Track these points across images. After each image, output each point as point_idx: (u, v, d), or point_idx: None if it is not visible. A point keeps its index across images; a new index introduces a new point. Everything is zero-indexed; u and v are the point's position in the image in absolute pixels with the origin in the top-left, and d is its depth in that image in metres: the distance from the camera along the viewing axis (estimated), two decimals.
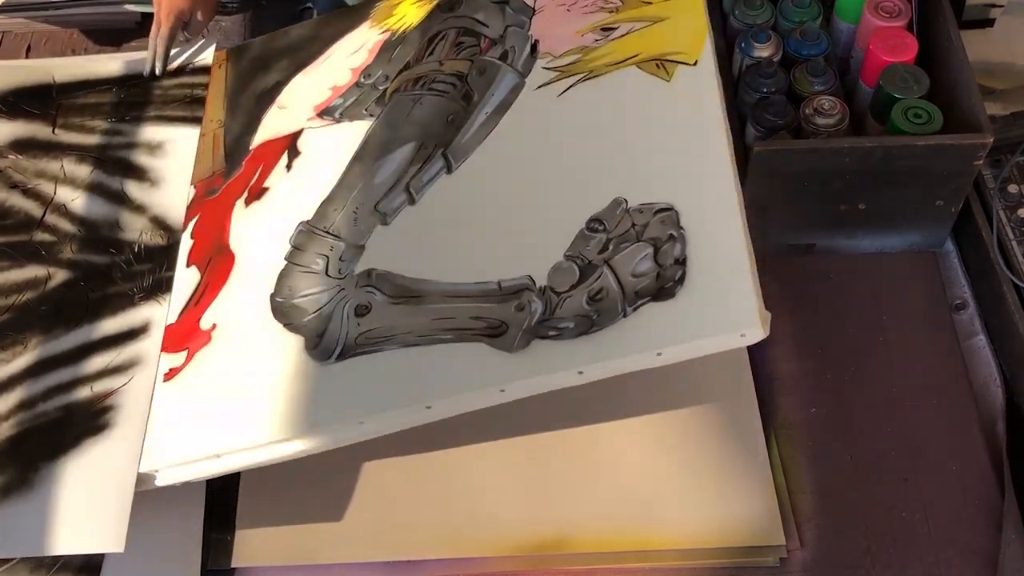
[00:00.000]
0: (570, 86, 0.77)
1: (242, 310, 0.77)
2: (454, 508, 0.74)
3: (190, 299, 0.79)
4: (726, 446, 0.76)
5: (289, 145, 0.84)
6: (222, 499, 0.75)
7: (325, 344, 0.73)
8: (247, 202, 0.81)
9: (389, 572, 0.72)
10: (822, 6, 0.89)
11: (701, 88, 0.73)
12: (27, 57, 0.99)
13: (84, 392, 0.77)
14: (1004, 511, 0.74)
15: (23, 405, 0.77)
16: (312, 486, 0.75)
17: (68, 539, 0.70)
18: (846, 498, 0.75)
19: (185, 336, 0.77)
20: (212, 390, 0.74)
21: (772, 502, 0.74)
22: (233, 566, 0.72)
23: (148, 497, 0.73)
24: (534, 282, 0.70)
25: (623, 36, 0.78)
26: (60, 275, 0.83)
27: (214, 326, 0.77)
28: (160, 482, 0.72)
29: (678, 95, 0.73)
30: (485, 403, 0.68)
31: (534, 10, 0.83)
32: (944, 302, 0.84)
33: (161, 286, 0.82)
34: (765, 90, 0.83)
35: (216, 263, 0.80)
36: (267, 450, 0.71)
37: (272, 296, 0.77)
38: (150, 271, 0.83)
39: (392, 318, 0.71)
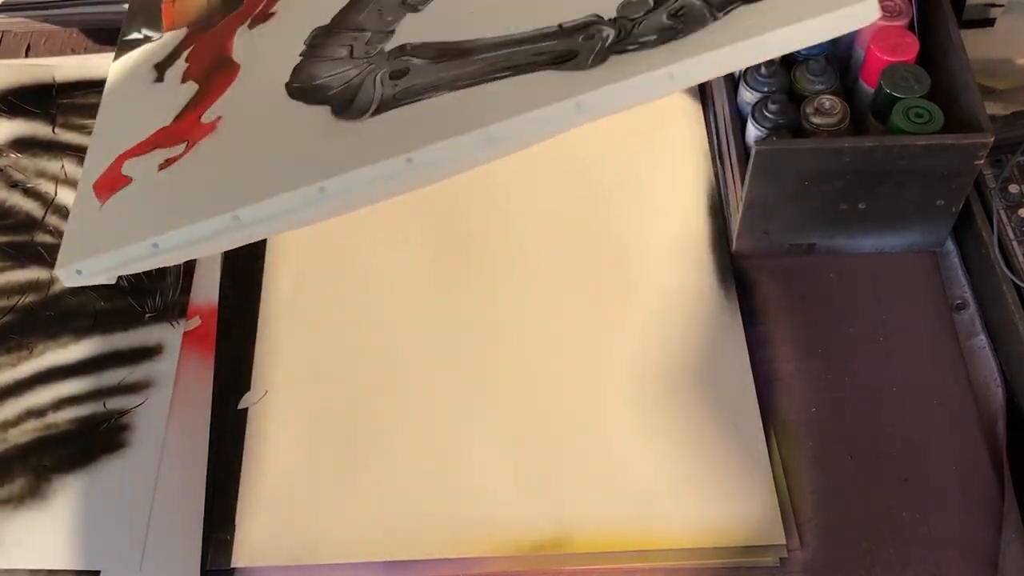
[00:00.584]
0: None
1: (252, 102, 0.70)
2: (453, 508, 0.74)
3: (188, 104, 0.72)
4: (726, 446, 0.76)
5: None
6: (222, 499, 0.75)
7: (357, 106, 0.64)
8: (251, 26, 0.75)
9: (389, 572, 0.72)
10: None
11: None
12: (27, 56, 0.99)
13: (97, 407, 0.78)
14: (1004, 511, 0.74)
15: (32, 413, 0.77)
16: (312, 486, 0.76)
17: (83, 555, 0.71)
18: (846, 498, 0.75)
19: (184, 132, 0.70)
20: (219, 165, 0.66)
21: (772, 502, 0.74)
22: (233, 566, 0.72)
23: (147, 496, 0.74)
24: (601, 17, 0.63)
25: None
26: None
27: (219, 118, 0.69)
28: (169, 243, 0.64)
29: None
30: (559, 124, 0.60)
31: None
32: (944, 302, 0.84)
33: (174, 310, 0.82)
34: (766, 89, 0.83)
35: (218, 73, 0.73)
36: (294, 204, 0.62)
37: (287, 84, 0.69)
38: (161, 291, 0.83)
39: (435, 73, 0.64)
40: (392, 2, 0.70)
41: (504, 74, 0.61)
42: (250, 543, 0.73)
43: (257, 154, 0.65)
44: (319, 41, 0.71)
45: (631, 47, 0.60)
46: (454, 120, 0.59)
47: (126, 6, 1.00)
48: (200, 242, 0.63)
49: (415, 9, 0.69)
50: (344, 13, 0.72)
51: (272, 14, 0.76)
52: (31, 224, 0.86)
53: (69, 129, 0.92)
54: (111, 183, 0.69)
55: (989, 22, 0.94)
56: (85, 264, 0.65)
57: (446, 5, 0.69)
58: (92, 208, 0.68)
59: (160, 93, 0.74)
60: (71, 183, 0.88)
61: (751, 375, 0.80)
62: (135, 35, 0.82)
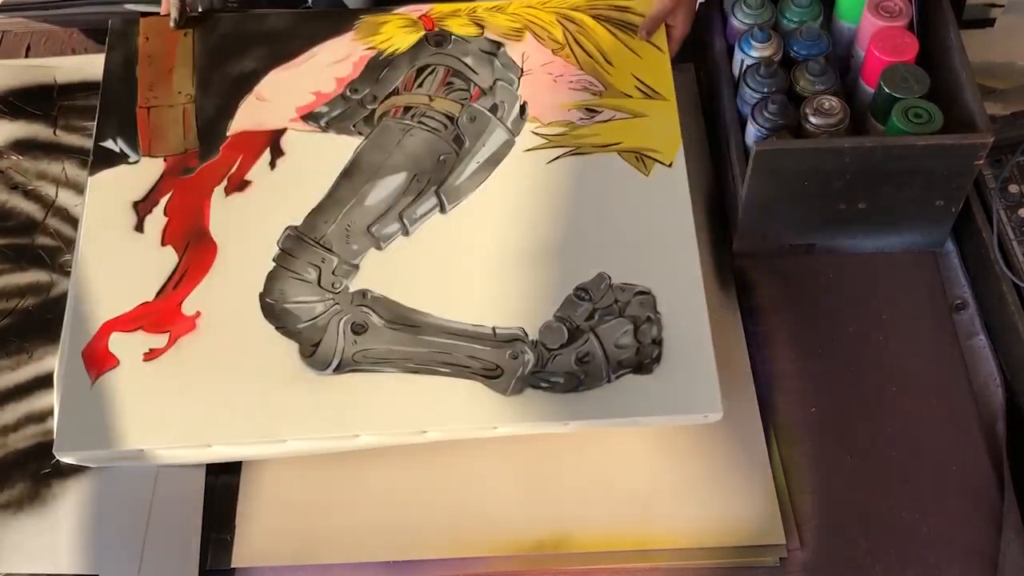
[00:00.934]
0: (558, 156, 0.85)
1: (229, 304, 0.77)
2: (454, 508, 0.75)
3: (168, 281, 0.79)
4: (726, 446, 0.76)
5: (271, 142, 0.85)
6: (222, 499, 0.75)
7: (321, 354, 0.76)
8: (227, 191, 0.83)
9: (389, 572, 0.73)
10: (822, 6, 0.89)
11: (675, 187, 0.83)
12: (27, 56, 0.99)
13: None
14: (1004, 511, 0.74)
15: (32, 418, 0.77)
16: (312, 486, 0.76)
17: (81, 558, 0.71)
18: (846, 498, 0.75)
19: (166, 318, 0.77)
20: (199, 379, 0.75)
21: (772, 502, 0.74)
22: (233, 566, 0.73)
23: (147, 496, 0.74)
24: (526, 334, 0.76)
25: (607, 121, 0.86)
26: (64, 284, 0.83)
27: (198, 314, 0.77)
28: (152, 453, 0.73)
29: (655, 190, 0.83)
30: (478, 435, 0.75)
31: (522, 70, 0.89)
32: (944, 302, 0.84)
33: None
34: (766, 90, 0.83)
35: (196, 249, 0.80)
36: (259, 447, 0.73)
37: (262, 296, 0.78)
38: None
39: (389, 342, 0.76)
40: (359, 226, 0.81)
41: (443, 370, 0.75)
42: (250, 543, 0.73)
43: (233, 386, 0.75)
44: (290, 246, 0.80)
45: (543, 384, 0.75)
46: (398, 413, 0.73)
47: (126, 6, 1.00)
48: (179, 456, 0.74)
49: (378, 246, 0.80)
50: (314, 216, 0.81)
51: (248, 183, 0.83)
52: (31, 226, 0.86)
53: (70, 131, 0.92)
54: (100, 359, 0.76)
55: (989, 22, 0.94)
56: (79, 455, 0.73)
57: (404, 254, 0.80)
58: (84, 386, 0.75)
59: (141, 250, 0.80)
60: (72, 185, 0.89)
61: (751, 375, 0.80)
62: (110, 144, 0.86)
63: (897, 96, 0.80)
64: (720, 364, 0.79)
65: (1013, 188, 0.84)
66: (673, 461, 0.76)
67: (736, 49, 0.87)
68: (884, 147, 0.77)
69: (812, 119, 0.81)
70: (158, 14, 0.92)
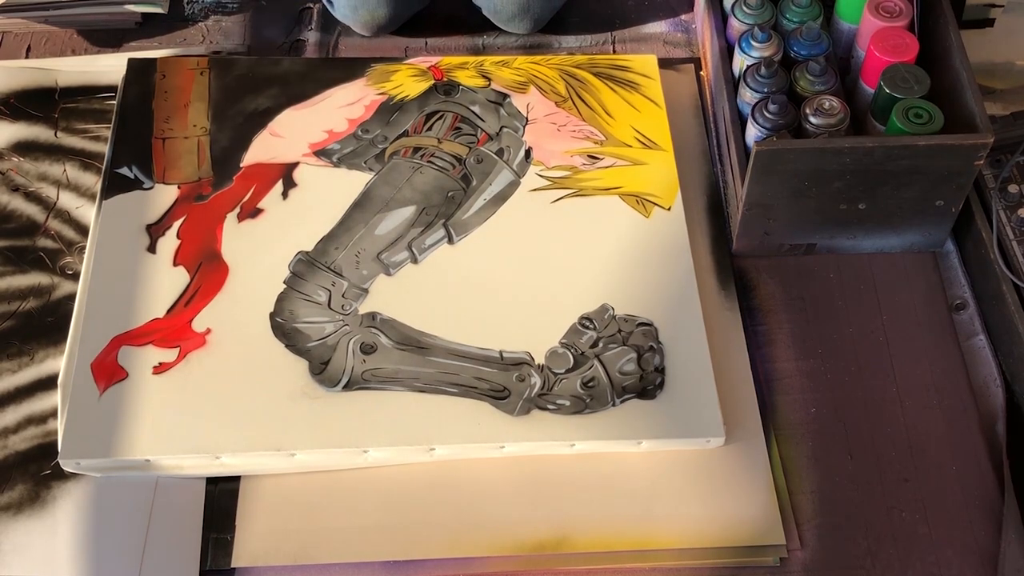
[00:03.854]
0: (562, 197, 0.88)
1: (240, 322, 0.80)
2: (454, 508, 0.75)
3: (179, 299, 0.81)
4: (726, 446, 0.76)
5: (284, 174, 0.88)
6: (222, 499, 0.75)
7: (331, 372, 0.77)
8: (240, 218, 0.85)
9: (389, 572, 0.73)
10: (822, 6, 0.89)
11: (674, 229, 0.86)
12: (27, 57, 0.99)
13: None
14: (1004, 511, 0.74)
15: (32, 420, 0.77)
16: (312, 486, 0.76)
17: (81, 561, 0.72)
18: (846, 498, 0.75)
19: (177, 334, 0.79)
20: (209, 392, 0.76)
21: (772, 502, 0.74)
22: (233, 566, 0.73)
23: (147, 497, 0.74)
24: (532, 359, 0.78)
25: (608, 167, 0.90)
26: (66, 287, 0.83)
27: (209, 331, 0.79)
28: (160, 462, 0.74)
29: (655, 231, 0.86)
30: (485, 455, 0.75)
31: (527, 119, 0.92)
32: (944, 302, 0.84)
33: None
34: (766, 90, 0.83)
35: (208, 269, 0.82)
36: (267, 460, 0.74)
37: (272, 315, 0.80)
38: None
39: (397, 362, 0.78)
40: (369, 253, 0.84)
41: (451, 390, 0.77)
42: (250, 543, 0.73)
43: (243, 400, 0.76)
44: (301, 270, 0.83)
45: (550, 406, 0.77)
46: (407, 430, 0.75)
47: (126, 7, 1.01)
48: (185, 467, 0.75)
49: (388, 272, 0.83)
50: (325, 243, 0.84)
51: (260, 210, 0.86)
52: (33, 228, 0.86)
53: (71, 133, 0.92)
54: (109, 372, 0.77)
55: (989, 22, 0.94)
56: (85, 462, 0.74)
57: (413, 280, 0.82)
58: (92, 396, 0.76)
59: (153, 270, 0.82)
60: (73, 187, 0.89)
61: (751, 375, 0.80)
62: (125, 171, 0.88)
63: (897, 96, 0.80)
64: (720, 365, 0.80)
65: (1013, 188, 0.84)
66: (673, 461, 0.76)
67: (736, 49, 0.87)
68: (884, 147, 0.77)
69: (812, 119, 0.81)
70: (179, 56, 0.96)
